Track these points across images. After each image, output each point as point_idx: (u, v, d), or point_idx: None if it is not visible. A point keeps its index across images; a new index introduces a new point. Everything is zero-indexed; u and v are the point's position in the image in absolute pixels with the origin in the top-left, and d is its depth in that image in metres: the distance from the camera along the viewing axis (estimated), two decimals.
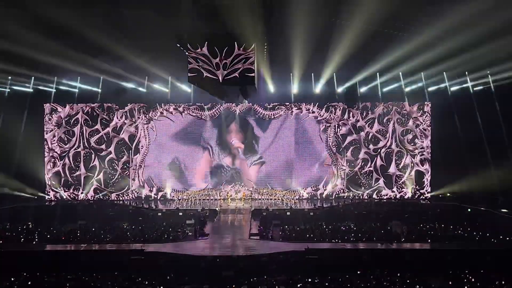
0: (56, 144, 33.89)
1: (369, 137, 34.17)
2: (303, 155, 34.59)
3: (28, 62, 27.43)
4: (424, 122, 33.83)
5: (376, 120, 34.06)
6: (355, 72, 31.52)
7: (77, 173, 34.12)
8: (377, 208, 31.13)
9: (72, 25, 22.85)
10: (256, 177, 34.60)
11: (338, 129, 34.21)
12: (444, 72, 31.12)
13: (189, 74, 19.83)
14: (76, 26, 22.98)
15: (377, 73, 32.08)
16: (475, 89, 31.68)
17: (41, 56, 25.61)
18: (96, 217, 29.77)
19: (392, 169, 34.12)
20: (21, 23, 22.23)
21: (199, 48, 19.53)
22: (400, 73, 31.95)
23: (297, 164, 34.60)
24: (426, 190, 33.91)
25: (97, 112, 34.01)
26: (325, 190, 34.20)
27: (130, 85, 33.22)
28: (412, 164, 33.97)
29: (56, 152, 33.90)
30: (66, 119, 33.92)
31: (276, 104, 34.16)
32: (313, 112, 34.19)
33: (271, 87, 32.94)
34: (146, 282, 18.32)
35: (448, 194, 30.15)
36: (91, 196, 33.99)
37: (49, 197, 33.87)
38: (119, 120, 34.08)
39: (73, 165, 34.10)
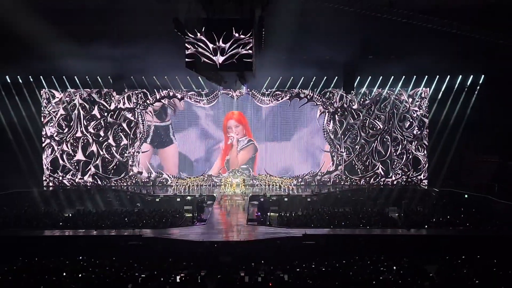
0: (54, 129, 33.86)
1: (367, 123, 34.18)
2: (300, 141, 34.68)
3: (22, 47, 27.17)
4: (422, 108, 33.81)
5: (373, 106, 34.04)
6: (355, 59, 31.35)
7: (75, 158, 34.13)
8: (374, 194, 31.27)
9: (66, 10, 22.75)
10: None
11: (336, 115, 34.21)
12: None
13: (186, 60, 19.70)
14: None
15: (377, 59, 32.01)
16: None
17: (35, 40, 25.36)
18: (94, 202, 29.94)
19: (390, 155, 34.16)
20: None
21: (196, 33, 19.40)
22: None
23: (295, 150, 34.69)
24: (423, 176, 34.01)
25: (95, 97, 33.95)
26: (322, 175, 34.32)
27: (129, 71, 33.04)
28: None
29: (54, 137, 33.89)
30: (63, 105, 33.87)
31: (274, 90, 34.11)
32: (311, 98, 34.16)
33: (268, 73, 32.73)
34: (144, 268, 18.39)
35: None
36: (89, 182, 34.02)
37: (47, 182, 33.93)
38: (117, 106, 34.04)
39: (71, 151, 34.10)
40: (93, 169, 34.20)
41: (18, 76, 32.11)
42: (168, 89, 34.01)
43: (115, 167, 34.33)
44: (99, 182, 34.07)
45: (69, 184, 33.87)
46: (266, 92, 34.15)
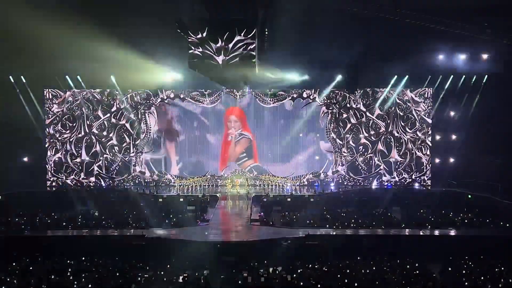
0: (57, 130, 33.93)
1: (370, 123, 34.14)
2: (303, 142, 34.71)
3: (25, 47, 27.22)
4: (425, 108, 33.74)
5: (376, 106, 34.00)
6: (358, 59, 31.33)
7: (79, 159, 34.19)
8: (377, 194, 31.22)
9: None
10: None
11: (339, 115, 34.18)
12: None
13: (189, 60, 19.78)
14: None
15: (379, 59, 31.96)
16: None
17: (39, 40, 25.41)
18: (97, 203, 29.95)
19: (393, 155, 34.12)
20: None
21: (199, 34, 19.42)
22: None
23: (297, 151, 34.71)
24: (426, 176, 33.96)
25: (98, 98, 34.01)
26: (326, 176, 34.33)
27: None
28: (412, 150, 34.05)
29: (57, 138, 33.96)
30: (67, 105, 33.93)
31: (277, 90, 34.11)
32: (314, 98, 34.15)
33: (272, 73, 32.74)
34: (147, 268, 18.43)
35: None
36: (93, 182, 34.08)
37: (51, 183, 33.98)
38: (120, 106, 34.10)
39: (74, 151, 34.16)
40: (96, 169, 34.27)
41: (22, 76, 32.18)
42: (171, 89, 34.05)
43: (118, 167, 34.40)
44: (103, 182, 34.13)
45: (72, 184, 33.92)
46: (269, 92, 34.15)
